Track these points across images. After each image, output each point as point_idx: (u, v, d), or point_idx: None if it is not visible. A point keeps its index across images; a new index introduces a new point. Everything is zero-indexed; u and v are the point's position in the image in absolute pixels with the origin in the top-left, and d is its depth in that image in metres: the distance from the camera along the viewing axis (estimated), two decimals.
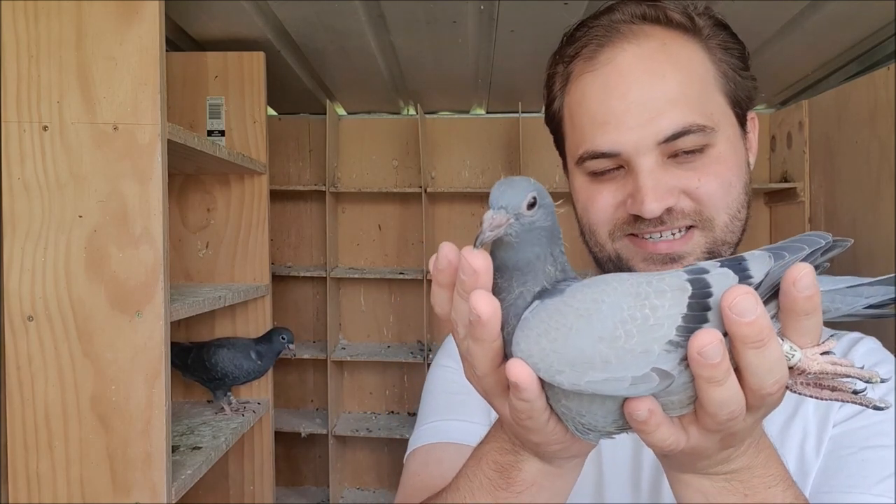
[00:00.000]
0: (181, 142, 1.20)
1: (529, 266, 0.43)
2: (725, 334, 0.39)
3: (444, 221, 2.56)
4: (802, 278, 0.39)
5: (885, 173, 1.62)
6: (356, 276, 2.40)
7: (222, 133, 1.72)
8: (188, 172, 1.72)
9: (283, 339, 1.68)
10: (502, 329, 0.42)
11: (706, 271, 0.41)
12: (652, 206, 0.65)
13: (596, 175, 0.71)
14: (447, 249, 0.43)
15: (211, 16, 1.56)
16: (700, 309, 0.40)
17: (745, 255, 0.42)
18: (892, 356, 0.73)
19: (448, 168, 2.55)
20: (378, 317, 2.60)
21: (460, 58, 1.84)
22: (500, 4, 1.46)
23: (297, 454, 2.60)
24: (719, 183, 0.68)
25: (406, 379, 2.59)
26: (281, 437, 2.20)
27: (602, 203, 0.71)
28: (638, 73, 0.67)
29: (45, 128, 1.09)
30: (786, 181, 2.16)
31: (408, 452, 0.82)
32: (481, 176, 2.54)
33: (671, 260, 0.68)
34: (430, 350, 2.39)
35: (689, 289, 0.40)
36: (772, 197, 2.27)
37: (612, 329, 0.39)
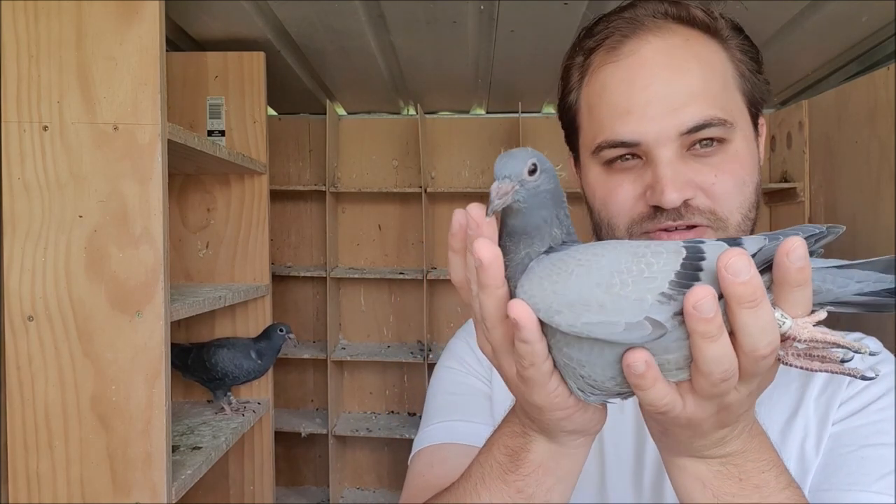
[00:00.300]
0: (181, 142, 1.20)
1: (538, 230, 0.46)
2: (720, 297, 0.41)
3: (444, 221, 2.56)
4: (795, 249, 0.40)
5: (885, 173, 1.62)
6: (356, 276, 2.40)
7: (222, 133, 1.72)
8: (188, 172, 1.72)
9: (281, 331, 1.68)
10: (509, 283, 0.45)
11: (702, 242, 0.44)
12: (672, 196, 0.65)
13: (611, 165, 0.71)
14: (458, 215, 0.46)
15: (211, 16, 1.56)
16: (692, 269, 0.42)
17: (742, 237, 0.45)
18: (892, 356, 0.73)
19: (448, 168, 2.55)
20: (378, 317, 2.60)
21: (460, 58, 1.84)
22: (500, 4, 1.46)
23: (297, 454, 2.60)
24: (734, 181, 0.68)
25: (406, 379, 2.59)
26: (281, 437, 2.20)
27: (622, 195, 0.70)
28: (661, 66, 0.68)
29: (45, 128, 1.09)
30: (786, 181, 2.16)
31: (412, 453, 0.83)
32: (481, 176, 2.54)
33: None
34: (430, 350, 2.39)
35: (683, 252, 0.43)
36: (772, 197, 2.27)
37: (609, 277, 0.42)
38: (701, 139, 0.67)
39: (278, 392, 2.41)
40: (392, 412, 2.60)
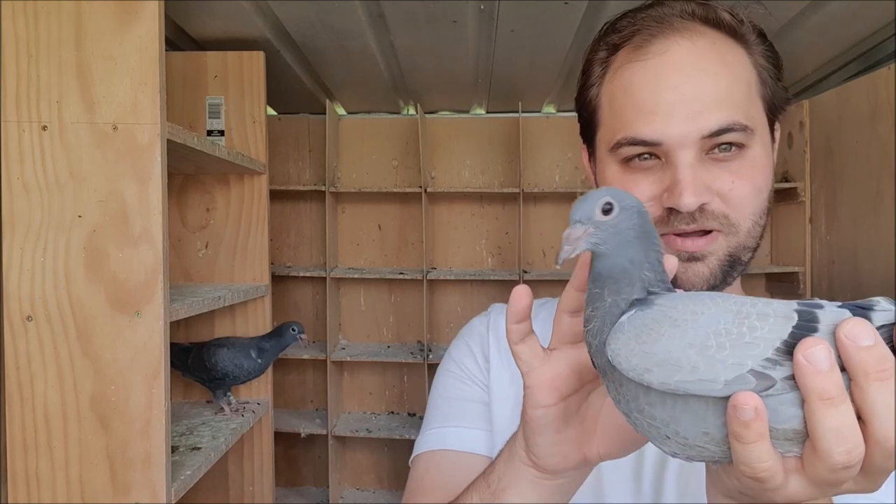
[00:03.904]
0: (181, 142, 1.20)
1: (625, 273, 0.43)
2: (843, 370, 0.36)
3: (444, 221, 2.56)
4: None
5: (885, 173, 1.62)
6: (356, 276, 2.40)
7: (222, 133, 1.72)
8: (188, 172, 1.72)
9: (293, 330, 1.67)
10: (595, 339, 0.42)
11: (820, 307, 0.39)
12: (689, 200, 0.65)
13: (629, 164, 0.71)
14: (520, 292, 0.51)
15: (211, 16, 1.55)
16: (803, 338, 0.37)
17: (873, 300, 0.39)
18: None
19: (448, 168, 2.55)
20: (378, 317, 2.60)
21: (460, 58, 1.84)
22: (500, 4, 1.46)
23: (296, 454, 2.60)
24: (751, 188, 0.68)
25: (406, 379, 2.59)
26: (281, 437, 2.19)
27: (638, 195, 0.70)
28: (690, 69, 0.68)
29: (44, 128, 1.08)
30: (786, 181, 2.16)
31: (413, 456, 0.85)
32: (481, 176, 2.54)
33: (695, 259, 0.68)
34: (430, 350, 2.39)
35: (794, 318, 0.38)
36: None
37: (704, 338, 0.38)
38: (721, 143, 0.67)
39: (278, 392, 2.40)
40: (392, 412, 2.60)
